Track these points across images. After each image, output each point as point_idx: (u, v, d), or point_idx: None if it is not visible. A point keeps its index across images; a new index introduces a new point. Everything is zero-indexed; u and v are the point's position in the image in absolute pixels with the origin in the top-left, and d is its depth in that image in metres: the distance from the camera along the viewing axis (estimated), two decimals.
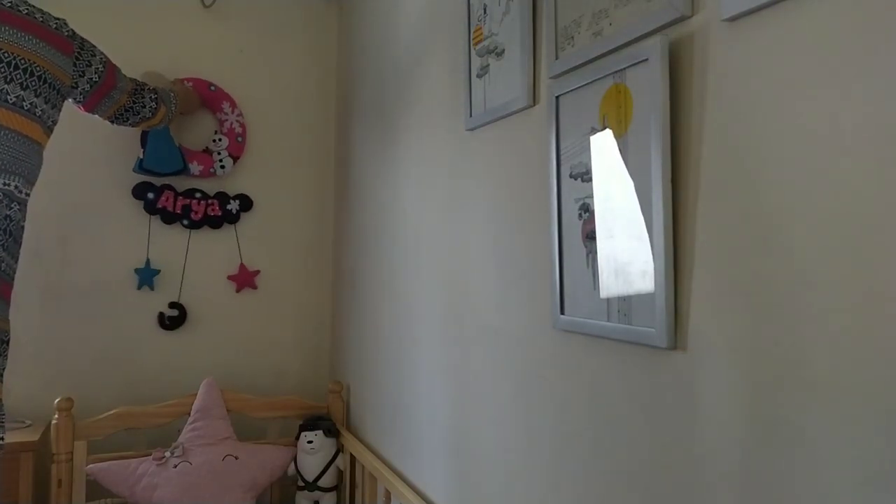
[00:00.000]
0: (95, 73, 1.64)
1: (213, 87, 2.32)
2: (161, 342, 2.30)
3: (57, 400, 1.95)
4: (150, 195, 2.25)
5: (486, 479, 1.36)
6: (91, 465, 1.96)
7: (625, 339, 0.96)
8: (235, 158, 2.35)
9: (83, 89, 1.63)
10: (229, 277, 2.38)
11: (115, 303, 2.24)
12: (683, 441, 0.87)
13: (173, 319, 2.30)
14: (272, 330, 2.45)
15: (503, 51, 1.30)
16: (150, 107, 1.88)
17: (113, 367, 2.22)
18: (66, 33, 1.55)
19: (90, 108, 1.72)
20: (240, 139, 2.36)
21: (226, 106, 2.34)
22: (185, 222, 2.31)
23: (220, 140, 2.33)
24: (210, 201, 2.34)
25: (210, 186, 2.35)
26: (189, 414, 2.11)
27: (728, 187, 0.82)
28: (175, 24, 2.33)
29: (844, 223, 0.68)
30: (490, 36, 1.35)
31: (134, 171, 2.21)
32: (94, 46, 1.64)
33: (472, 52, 1.42)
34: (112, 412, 2.04)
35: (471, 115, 1.42)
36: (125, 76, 1.78)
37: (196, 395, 2.14)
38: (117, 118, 1.82)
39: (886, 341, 0.64)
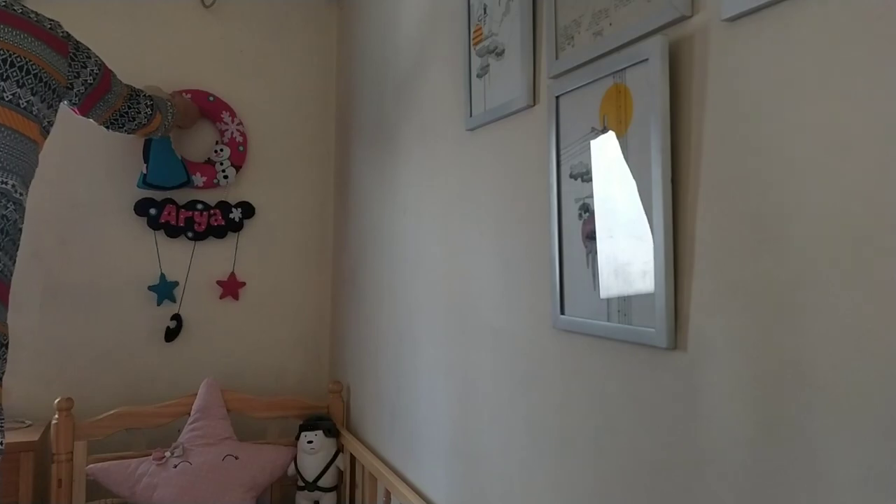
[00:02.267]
0: (90, 75, 1.63)
1: (212, 98, 2.30)
2: (162, 343, 2.30)
3: (57, 400, 1.95)
4: (153, 211, 2.26)
5: (486, 479, 1.36)
6: (91, 466, 1.96)
7: (625, 339, 0.96)
8: (237, 168, 2.35)
9: (78, 91, 1.62)
10: (218, 282, 2.37)
11: (116, 303, 2.24)
12: (683, 441, 0.87)
13: (171, 331, 2.30)
14: (272, 330, 2.45)
15: (503, 51, 1.30)
16: (146, 113, 1.86)
17: (113, 367, 2.22)
18: (61, 34, 1.54)
19: (85, 112, 1.71)
20: (241, 148, 2.35)
21: (226, 116, 2.33)
22: (190, 234, 2.31)
23: (221, 150, 2.32)
24: (212, 211, 2.34)
25: (211, 196, 2.35)
26: (189, 414, 2.11)
27: (728, 187, 0.82)
28: (175, 24, 2.33)
29: (845, 223, 0.68)
30: (490, 36, 1.35)
31: (138, 186, 2.21)
32: (88, 49, 1.63)
33: (472, 52, 1.42)
34: (112, 412, 2.04)
35: (471, 115, 1.42)
36: (121, 81, 1.77)
37: (196, 395, 2.14)
38: (112, 123, 1.80)
39: (887, 341, 0.64)
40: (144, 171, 2.19)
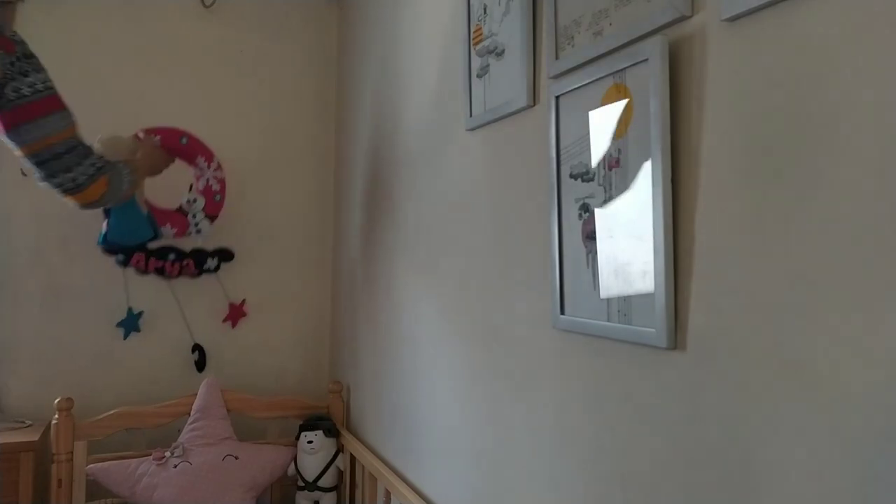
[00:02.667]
0: (29, 87, 1.38)
1: (185, 140, 2.00)
2: (162, 341, 2.30)
3: (57, 400, 1.95)
4: (121, 256, 2.09)
5: (486, 479, 1.36)
6: (91, 466, 1.96)
7: (625, 339, 0.96)
8: (213, 218, 2.09)
9: (8, 97, 1.37)
10: (223, 321, 2.30)
11: (115, 301, 2.24)
12: (683, 441, 0.87)
13: (199, 363, 2.26)
14: (272, 330, 2.45)
15: (503, 51, 1.30)
16: (87, 172, 1.48)
17: (113, 367, 2.22)
18: (10, 35, 1.37)
19: (8, 126, 1.41)
20: (217, 198, 2.07)
21: (201, 161, 2.04)
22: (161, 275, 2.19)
23: (195, 201, 2.04)
24: (185, 262, 2.14)
25: (186, 242, 2.17)
26: (189, 414, 2.11)
27: (728, 187, 0.82)
28: (175, 24, 2.33)
29: (845, 222, 0.68)
30: (490, 36, 1.35)
31: (98, 244, 2.02)
32: (45, 70, 1.41)
33: (472, 52, 1.42)
34: (112, 412, 2.04)
35: (471, 115, 1.42)
36: (75, 128, 1.46)
37: (196, 395, 2.14)
38: (42, 165, 1.44)
39: (886, 341, 0.64)
40: (104, 228, 1.93)
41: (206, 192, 2.05)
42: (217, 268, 2.16)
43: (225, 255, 2.18)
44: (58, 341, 2.16)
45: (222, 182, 2.07)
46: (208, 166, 2.04)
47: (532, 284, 1.21)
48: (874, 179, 0.66)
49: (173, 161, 1.97)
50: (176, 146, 1.98)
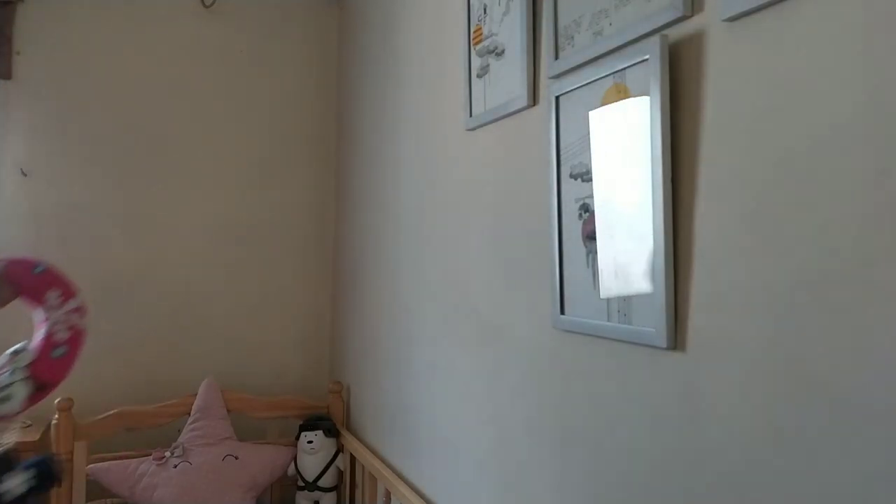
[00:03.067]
0: None
1: (39, 269, 1.37)
2: (161, 341, 2.30)
3: (57, 400, 1.95)
4: None
5: (487, 479, 1.36)
6: (91, 465, 1.96)
7: (625, 339, 0.96)
8: (43, 388, 1.29)
9: None
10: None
11: (116, 303, 2.24)
12: (683, 441, 0.87)
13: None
14: (272, 330, 2.45)
15: (503, 51, 1.30)
16: None
17: (113, 366, 2.22)
18: None
19: None
20: (59, 352, 1.31)
21: (52, 296, 1.34)
22: None
23: (19, 353, 1.28)
24: None
25: None
26: (189, 414, 2.11)
27: (728, 187, 0.82)
28: (175, 24, 2.33)
29: (844, 222, 0.68)
30: (490, 36, 1.35)
31: None
32: None
33: (472, 52, 1.42)
34: (112, 412, 2.04)
35: (471, 115, 1.42)
36: None
37: (196, 395, 2.14)
38: None
39: (886, 340, 0.64)
40: None
41: (45, 342, 1.30)
42: (25, 497, 1.26)
43: (49, 473, 1.29)
44: None
45: (76, 332, 1.32)
46: (61, 304, 1.34)
47: (532, 284, 1.21)
48: (874, 179, 0.66)
49: (17, 296, 1.36)
50: (24, 277, 1.35)
